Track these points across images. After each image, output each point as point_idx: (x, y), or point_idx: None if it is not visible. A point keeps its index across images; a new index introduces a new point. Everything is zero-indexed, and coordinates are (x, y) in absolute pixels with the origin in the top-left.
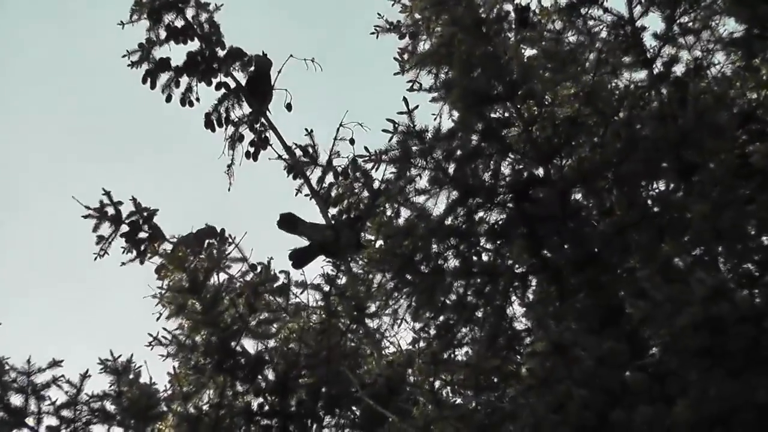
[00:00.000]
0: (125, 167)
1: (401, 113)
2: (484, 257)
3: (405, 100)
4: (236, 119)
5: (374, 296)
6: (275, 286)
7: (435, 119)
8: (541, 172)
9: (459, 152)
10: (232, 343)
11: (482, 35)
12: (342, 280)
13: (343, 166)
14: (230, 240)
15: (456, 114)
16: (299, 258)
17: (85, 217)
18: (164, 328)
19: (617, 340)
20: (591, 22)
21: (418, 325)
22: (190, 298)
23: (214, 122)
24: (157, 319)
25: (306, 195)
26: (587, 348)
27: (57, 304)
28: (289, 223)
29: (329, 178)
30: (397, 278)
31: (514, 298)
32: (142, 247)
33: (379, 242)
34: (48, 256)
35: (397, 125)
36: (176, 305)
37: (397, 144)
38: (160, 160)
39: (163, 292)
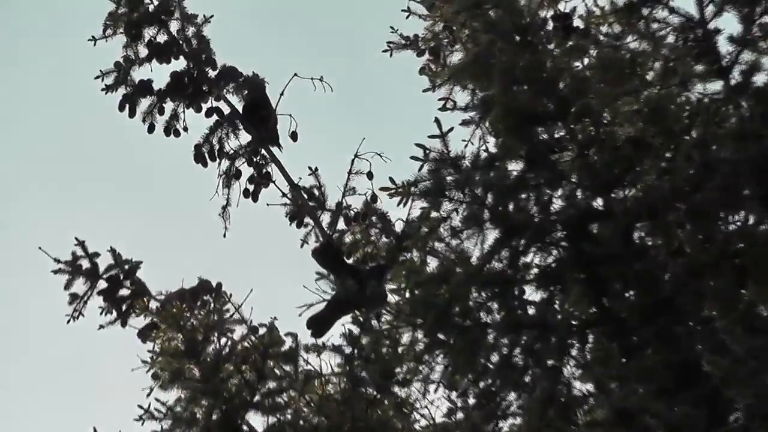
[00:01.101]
0: (100, 212)
1: (433, 137)
2: (534, 308)
3: (437, 121)
4: (232, 151)
5: (403, 359)
6: (282, 350)
7: (472, 144)
8: (599, 204)
9: (501, 182)
10: (238, 418)
11: (525, 43)
12: (365, 340)
13: (356, 210)
14: (227, 297)
15: (497, 137)
16: (319, 324)
17: (56, 272)
18: (157, 399)
19: (693, 404)
20: (655, 25)
21: (455, 393)
22: (188, 363)
23: (206, 155)
24: (149, 392)
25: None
26: (657, 415)
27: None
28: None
29: (342, 221)
30: (429, 336)
31: (569, 356)
32: (124, 307)
33: (408, 293)
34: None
35: (428, 151)
36: (171, 372)
37: (428, 174)
38: (141, 203)
39: (154, 356)
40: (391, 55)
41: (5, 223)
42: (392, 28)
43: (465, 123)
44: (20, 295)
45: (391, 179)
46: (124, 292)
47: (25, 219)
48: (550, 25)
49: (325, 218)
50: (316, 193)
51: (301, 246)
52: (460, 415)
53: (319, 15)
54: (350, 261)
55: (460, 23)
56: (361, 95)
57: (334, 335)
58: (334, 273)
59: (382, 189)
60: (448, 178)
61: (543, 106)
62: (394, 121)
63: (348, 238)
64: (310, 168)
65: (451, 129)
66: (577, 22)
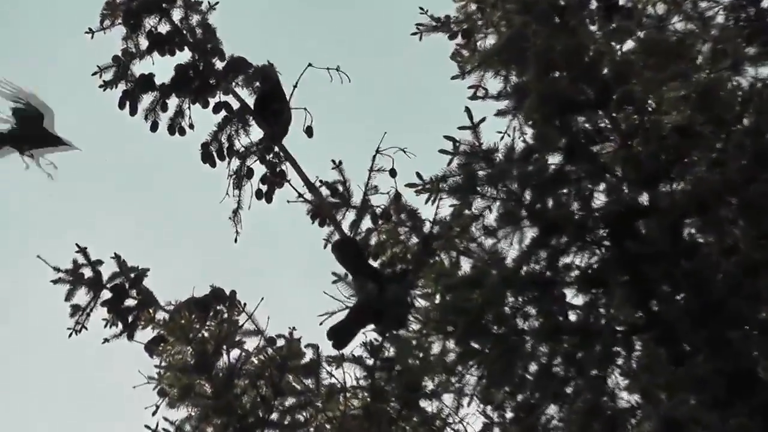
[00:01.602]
0: (103, 217)
1: (463, 128)
2: (575, 313)
3: (468, 110)
4: (242, 149)
5: (432, 370)
6: (301, 363)
7: (509, 135)
8: (645, 199)
9: (538, 177)
10: None
11: (563, 25)
12: (390, 351)
13: (383, 206)
14: (241, 306)
15: (533, 127)
16: (341, 334)
17: (55, 281)
18: (165, 418)
19: (748, 415)
20: (703, 4)
21: (490, 406)
22: (198, 378)
23: (214, 154)
24: (155, 411)
25: None
26: (710, 427)
27: (26, 390)
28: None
29: (366, 222)
30: (461, 344)
31: (614, 365)
32: (130, 318)
33: (437, 298)
34: (12, 330)
35: (457, 144)
36: (180, 388)
37: (458, 168)
38: (147, 206)
39: (162, 372)
40: (420, 38)
41: None
42: (421, 8)
43: (501, 113)
44: (18, 305)
45: (417, 174)
46: (129, 302)
47: (22, 224)
48: (591, 5)
49: (350, 216)
50: (340, 188)
51: (324, 246)
52: (496, 430)
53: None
54: (377, 262)
55: (491, 3)
56: (383, 85)
57: (358, 345)
58: (354, 272)
59: (408, 186)
60: (480, 172)
61: (582, 93)
62: (419, 113)
63: (374, 239)
64: (333, 161)
65: (483, 119)
66: (621, 1)
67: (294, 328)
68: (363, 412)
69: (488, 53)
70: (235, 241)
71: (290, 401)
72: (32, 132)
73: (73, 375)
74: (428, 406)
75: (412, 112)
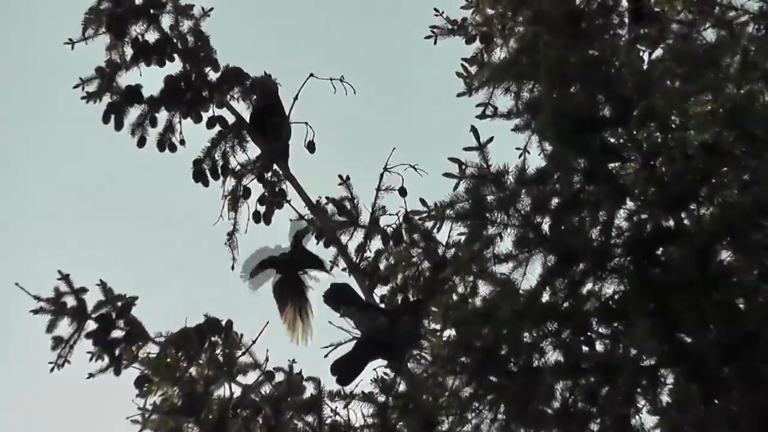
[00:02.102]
0: (87, 241)
1: (469, 149)
2: (597, 346)
3: (474, 130)
4: (238, 167)
5: (446, 408)
6: (302, 399)
7: (528, 153)
8: (670, 223)
9: (554, 200)
10: None
11: (580, 34)
12: (402, 387)
13: (393, 227)
14: (238, 338)
15: (547, 147)
16: (346, 369)
17: (36, 311)
18: None
19: None
20: (732, 13)
21: None
22: (186, 420)
23: (207, 173)
24: None
25: (343, 270)
26: None
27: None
28: (339, 297)
29: (374, 244)
30: (475, 381)
31: (641, 402)
32: (117, 351)
33: (448, 332)
34: None
35: (464, 166)
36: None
37: (465, 193)
38: (134, 229)
39: (148, 414)
40: (435, 42)
41: None
42: (436, 10)
43: (518, 129)
44: None
45: (422, 201)
46: (117, 333)
47: None
48: (611, 13)
49: (358, 236)
50: (348, 206)
51: (330, 269)
52: None
53: (339, 4)
54: (387, 288)
55: (500, 14)
56: (390, 98)
57: (365, 381)
58: (356, 316)
59: (412, 213)
60: (490, 197)
61: (601, 108)
62: (430, 129)
63: (384, 261)
64: (340, 177)
65: (491, 139)
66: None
67: (294, 360)
68: None
69: (496, 68)
70: (232, 268)
71: None
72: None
73: (57, 414)
74: None
75: (424, 126)
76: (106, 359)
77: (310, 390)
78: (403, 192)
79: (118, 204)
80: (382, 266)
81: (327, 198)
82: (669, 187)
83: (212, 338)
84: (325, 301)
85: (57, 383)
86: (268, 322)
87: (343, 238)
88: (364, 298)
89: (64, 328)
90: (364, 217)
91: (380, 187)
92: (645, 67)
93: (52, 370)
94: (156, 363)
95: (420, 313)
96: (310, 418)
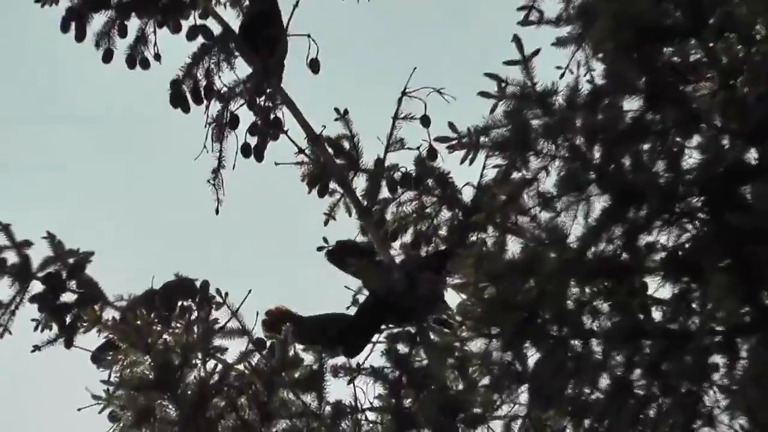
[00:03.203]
0: (32, 181)
1: (510, 63)
2: (660, 309)
3: (516, 39)
4: (225, 89)
5: (474, 385)
6: (299, 375)
7: (571, 72)
8: (753, 156)
9: (611, 128)
10: None
11: None
12: (420, 360)
13: (405, 170)
14: (223, 298)
15: (604, 62)
16: (353, 337)
17: None
18: None
19: None
20: None
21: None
22: (160, 397)
23: (188, 95)
24: None
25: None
26: None
27: None
28: (344, 255)
29: (385, 187)
30: (511, 349)
31: (713, 376)
32: (68, 319)
33: (478, 290)
34: None
35: (504, 84)
36: (136, 411)
37: (504, 117)
38: (93, 167)
39: (112, 390)
40: None
41: None
42: None
43: (560, 42)
44: None
45: (450, 125)
46: (68, 297)
47: None
48: None
49: (360, 182)
50: (347, 145)
51: (326, 223)
52: None
53: None
54: (396, 244)
55: None
56: (410, 4)
57: (375, 353)
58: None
59: (439, 139)
60: (534, 122)
61: (669, 16)
62: (458, 43)
63: (392, 212)
64: (337, 110)
65: (537, 51)
66: None
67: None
68: None
69: None
70: (216, 212)
71: (283, 425)
72: None
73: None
74: None
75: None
76: (55, 328)
77: (308, 363)
78: (425, 121)
79: (75, 134)
80: (389, 218)
81: (321, 137)
82: (751, 112)
83: (184, 302)
84: (329, 259)
85: None
86: (250, 291)
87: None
88: (377, 249)
89: (4, 290)
90: (370, 158)
91: (398, 115)
92: None
93: None
94: (123, 327)
95: (444, 268)
96: (307, 398)
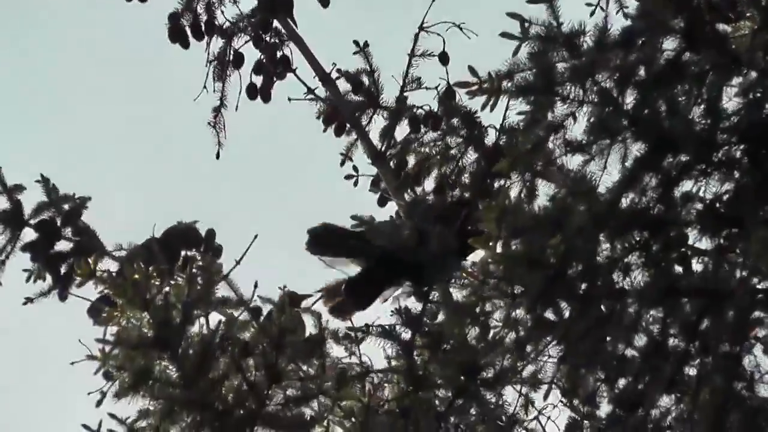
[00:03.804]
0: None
1: (534, 1)
2: (697, 265)
3: None
4: (228, 24)
5: (496, 347)
6: (302, 337)
7: (602, 9)
8: None
9: (645, 71)
10: None
11: None
12: (435, 319)
13: (428, 109)
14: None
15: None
16: (357, 292)
17: None
18: (112, 415)
19: None
20: None
21: (578, 398)
22: (159, 357)
23: (187, 31)
24: (100, 401)
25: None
26: None
27: None
28: (325, 242)
29: (403, 129)
30: (537, 309)
31: (754, 338)
32: (63, 269)
33: (502, 243)
34: None
35: (528, 24)
36: (134, 372)
37: (529, 59)
38: (88, 109)
39: (108, 349)
40: None
41: None
42: None
43: None
44: None
45: (471, 69)
46: (62, 246)
47: None
48: None
49: (380, 122)
50: (366, 81)
51: (342, 164)
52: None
53: None
54: (419, 188)
55: None
56: None
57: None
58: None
59: (458, 85)
60: (561, 65)
61: None
62: None
63: (414, 153)
64: (356, 43)
65: None
66: None
67: (286, 287)
68: (397, 404)
69: None
70: (217, 156)
71: (292, 390)
72: None
73: None
74: (489, 396)
75: None
76: (49, 279)
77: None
78: (444, 58)
79: (66, 72)
80: (411, 160)
81: (339, 71)
82: None
83: (188, 252)
84: (310, 249)
85: None
86: (256, 236)
87: (362, 122)
88: (391, 195)
89: None
90: (388, 96)
91: (414, 52)
92: None
93: None
94: (120, 280)
95: (463, 219)
96: (307, 367)
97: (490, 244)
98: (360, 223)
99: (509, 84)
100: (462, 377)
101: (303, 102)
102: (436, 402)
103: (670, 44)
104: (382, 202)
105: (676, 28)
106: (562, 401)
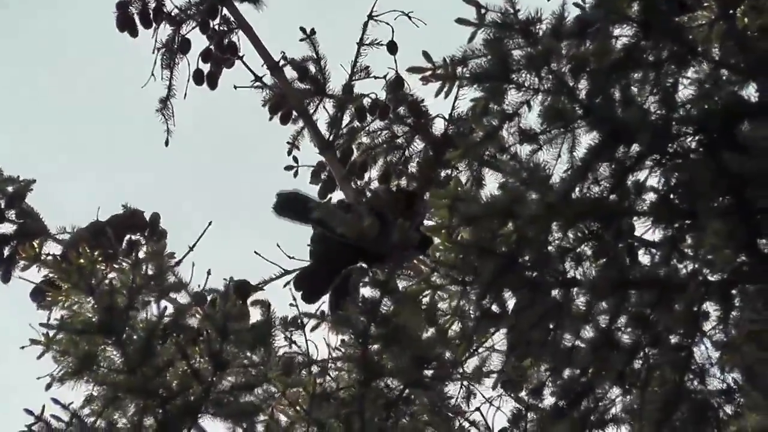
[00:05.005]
0: None
1: None
2: (647, 255)
3: None
4: (176, 12)
5: (446, 337)
6: (247, 324)
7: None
8: (753, 91)
9: (600, 59)
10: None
11: None
12: (388, 308)
13: (375, 98)
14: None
15: None
16: (311, 282)
17: None
18: (56, 400)
19: None
20: None
21: (525, 389)
22: (104, 342)
23: (135, 18)
24: (49, 384)
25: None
26: None
27: None
28: (293, 207)
29: (350, 118)
30: (489, 296)
31: (706, 328)
32: (6, 251)
33: (452, 234)
34: None
35: (484, 10)
36: (78, 357)
37: (484, 46)
38: (38, 92)
39: (52, 333)
40: None
41: None
42: None
43: None
44: None
45: (425, 55)
46: (6, 228)
47: None
48: None
49: (327, 109)
50: (313, 69)
51: (289, 152)
52: (532, 421)
53: None
54: (365, 177)
55: None
56: None
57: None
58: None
59: (411, 70)
60: (516, 52)
61: None
62: None
63: (361, 142)
64: (303, 30)
65: None
66: None
67: (232, 279)
68: (348, 394)
69: None
70: (166, 144)
71: (236, 376)
72: None
73: None
74: (439, 386)
75: None
76: None
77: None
78: (392, 47)
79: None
80: (356, 149)
81: (285, 59)
82: (753, 45)
83: (132, 236)
84: (277, 212)
85: None
86: (210, 222)
87: (312, 111)
88: (338, 185)
89: None
90: (335, 85)
91: (363, 41)
92: None
93: None
94: (64, 264)
95: (414, 208)
96: (255, 357)
97: (442, 232)
98: (318, 207)
99: (464, 70)
100: (413, 366)
101: (251, 90)
102: (386, 390)
103: (626, 32)
104: (323, 194)
105: (632, 16)
106: (505, 392)
